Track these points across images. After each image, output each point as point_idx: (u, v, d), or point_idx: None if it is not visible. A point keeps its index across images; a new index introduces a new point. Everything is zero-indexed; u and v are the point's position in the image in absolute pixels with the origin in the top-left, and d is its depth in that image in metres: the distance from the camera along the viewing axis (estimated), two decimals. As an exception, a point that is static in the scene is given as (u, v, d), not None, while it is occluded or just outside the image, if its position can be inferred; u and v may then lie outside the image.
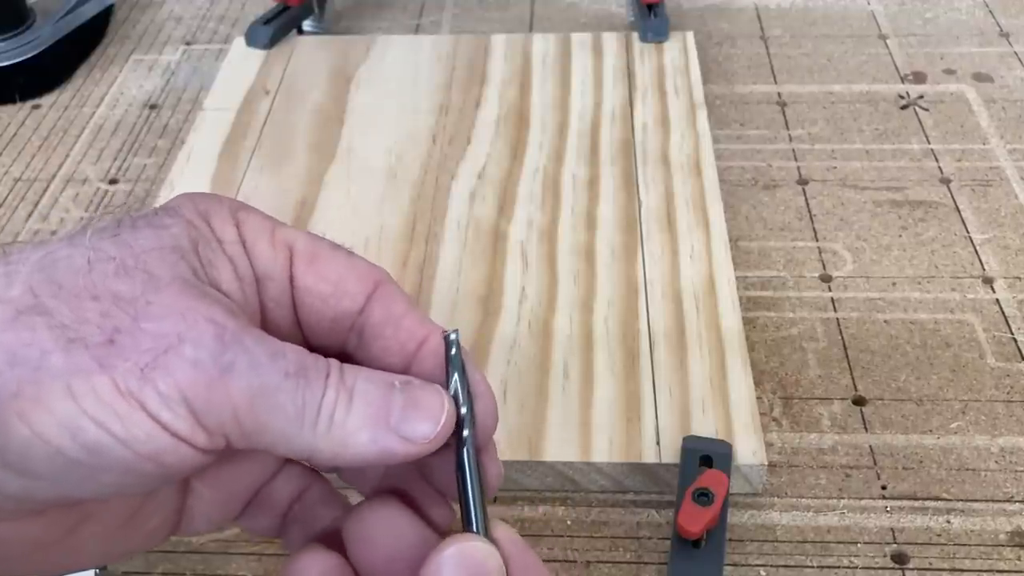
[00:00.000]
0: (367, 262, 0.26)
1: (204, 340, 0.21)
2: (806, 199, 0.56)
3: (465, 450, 0.25)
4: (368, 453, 0.23)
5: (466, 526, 0.24)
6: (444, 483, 0.26)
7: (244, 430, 0.22)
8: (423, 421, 0.23)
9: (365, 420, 0.23)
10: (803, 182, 0.57)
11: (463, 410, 0.25)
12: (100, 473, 0.21)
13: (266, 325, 0.25)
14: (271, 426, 0.22)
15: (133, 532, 0.25)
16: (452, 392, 0.25)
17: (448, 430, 0.24)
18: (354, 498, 0.28)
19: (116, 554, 0.26)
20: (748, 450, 0.41)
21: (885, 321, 0.49)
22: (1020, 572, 0.39)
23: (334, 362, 0.23)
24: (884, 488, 0.42)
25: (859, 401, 0.45)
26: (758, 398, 0.45)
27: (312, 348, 0.24)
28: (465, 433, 0.25)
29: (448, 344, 0.25)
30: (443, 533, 0.26)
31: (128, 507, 0.25)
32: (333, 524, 0.28)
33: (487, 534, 0.24)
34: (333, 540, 0.26)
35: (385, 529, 0.25)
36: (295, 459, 0.24)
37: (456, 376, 0.25)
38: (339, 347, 0.26)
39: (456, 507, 0.25)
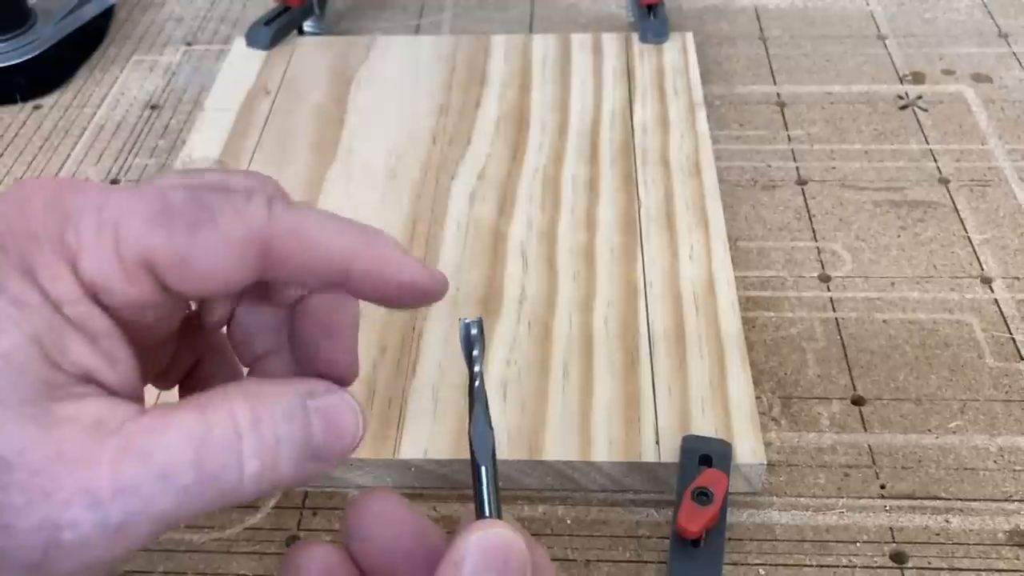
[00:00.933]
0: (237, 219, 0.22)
1: (80, 522, 0.19)
2: (805, 199, 0.56)
3: (476, 444, 0.25)
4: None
5: (479, 514, 0.24)
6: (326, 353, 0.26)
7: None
8: (341, 446, 0.23)
9: (293, 464, 0.22)
10: (802, 182, 0.57)
11: (477, 407, 0.25)
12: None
13: (156, 338, 0.24)
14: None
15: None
16: (471, 383, 0.25)
17: (356, 445, 0.24)
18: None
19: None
20: (747, 449, 0.41)
21: (884, 321, 0.49)
22: (1019, 571, 0.39)
23: (238, 405, 0.21)
24: (883, 487, 0.42)
25: (858, 401, 0.46)
26: (757, 398, 0.45)
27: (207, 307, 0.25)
28: (479, 428, 0.25)
29: (465, 330, 0.25)
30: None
31: None
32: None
33: (499, 517, 0.24)
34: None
35: (383, 521, 0.25)
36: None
37: (477, 369, 0.25)
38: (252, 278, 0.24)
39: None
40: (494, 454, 0.25)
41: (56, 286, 0.20)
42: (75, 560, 0.19)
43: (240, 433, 0.21)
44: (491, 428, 0.25)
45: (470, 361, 0.26)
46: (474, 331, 0.25)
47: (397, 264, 0.24)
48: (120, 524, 0.19)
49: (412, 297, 0.24)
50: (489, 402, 0.26)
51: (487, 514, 0.24)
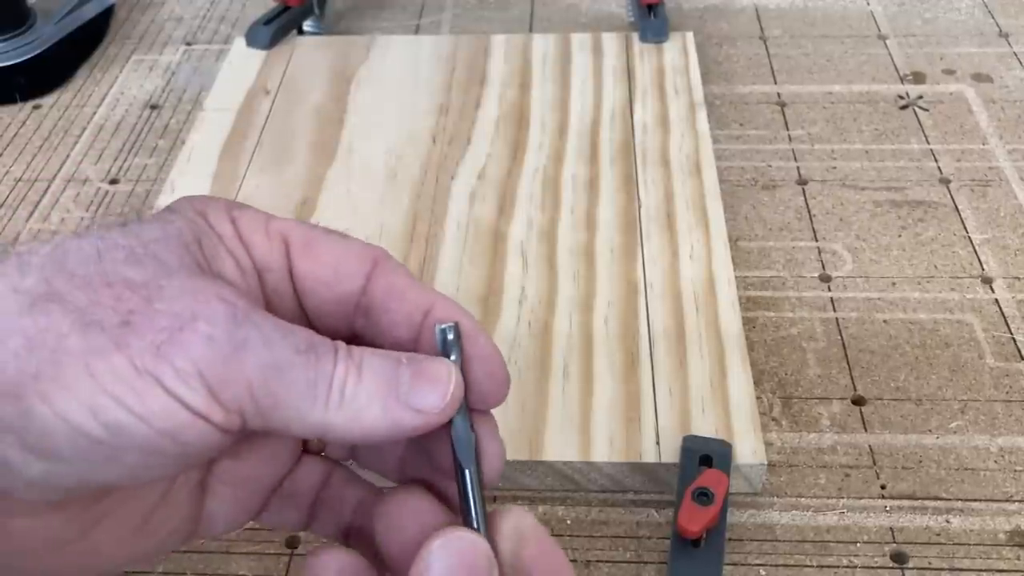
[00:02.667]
0: (362, 242, 0.26)
1: (217, 318, 0.22)
2: (806, 199, 0.56)
3: (459, 448, 0.25)
4: (380, 425, 0.23)
5: (464, 517, 0.24)
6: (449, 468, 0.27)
7: (259, 406, 0.22)
8: (431, 392, 0.24)
9: (375, 392, 0.23)
10: (803, 182, 0.57)
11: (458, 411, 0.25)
12: (120, 453, 0.21)
13: (275, 311, 0.25)
14: (285, 401, 0.22)
15: (150, 535, 0.25)
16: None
17: (457, 401, 0.24)
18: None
19: (131, 559, 0.26)
20: (748, 450, 0.41)
21: (884, 321, 0.49)
22: (1019, 572, 0.39)
23: (340, 342, 0.24)
24: (883, 488, 0.42)
25: (858, 401, 0.46)
26: (758, 398, 0.45)
27: (320, 332, 0.24)
28: (460, 431, 0.25)
29: (442, 335, 0.25)
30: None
31: (146, 505, 0.25)
32: (363, 503, 0.28)
33: (484, 525, 0.24)
34: (362, 531, 0.27)
35: (412, 515, 0.25)
36: (311, 437, 0.24)
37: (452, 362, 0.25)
38: (347, 329, 0.27)
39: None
40: (478, 457, 0.25)
41: (220, 225, 0.25)
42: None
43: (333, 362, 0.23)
44: (473, 431, 0.25)
45: None
46: (450, 336, 0.25)
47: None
48: (243, 340, 0.22)
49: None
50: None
51: (473, 516, 0.24)
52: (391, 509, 0.26)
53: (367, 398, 0.23)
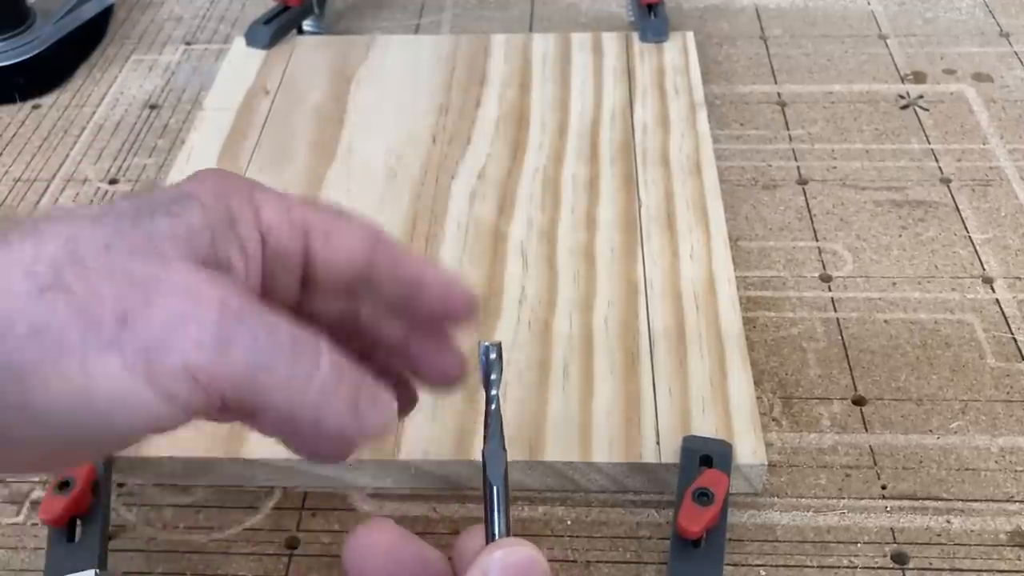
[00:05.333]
0: (363, 221, 0.29)
1: (207, 320, 0.23)
2: (806, 199, 0.56)
3: (489, 464, 0.25)
4: (335, 429, 0.25)
5: (489, 536, 0.25)
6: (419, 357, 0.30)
7: (240, 395, 0.24)
8: (379, 412, 0.26)
9: (344, 399, 0.25)
10: (803, 182, 0.57)
11: (492, 428, 0.25)
12: (106, 434, 0.23)
13: (272, 292, 0.28)
14: (265, 394, 0.24)
15: None
16: (487, 405, 0.26)
17: (391, 425, 0.26)
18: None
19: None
20: (748, 450, 0.41)
21: (885, 321, 0.49)
22: (1020, 572, 0.39)
23: (324, 342, 0.25)
24: (884, 488, 0.42)
25: (859, 401, 0.45)
26: (758, 398, 0.45)
27: (317, 303, 0.28)
28: (492, 448, 0.25)
29: (485, 353, 0.26)
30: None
31: None
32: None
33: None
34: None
35: (381, 552, 0.26)
36: (277, 431, 0.26)
37: (494, 392, 0.26)
38: (343, 300, 0.29)
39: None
40: (506, 474, 0.25)
41: (240, 209, 0.26)
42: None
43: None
44: (504, 449, 0.25)
45: (487, 384, 0.26)
46: (492, 355, 0.26)
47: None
48: (230, 341, 0.23)
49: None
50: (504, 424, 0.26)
51: (496, 531, 0.25)
52: (361, 547, 0.26)
53: (336, 403, 0.25)
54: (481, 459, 0.25)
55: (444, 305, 0.29)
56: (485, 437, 0.26)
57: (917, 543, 0.40)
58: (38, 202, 0.58)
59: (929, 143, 0.59)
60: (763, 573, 0.39)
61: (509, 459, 0.41)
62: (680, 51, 0.64)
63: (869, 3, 0.72)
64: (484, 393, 0.26)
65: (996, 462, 0.43)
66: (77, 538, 0.39)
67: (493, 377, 0.26)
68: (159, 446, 0.42)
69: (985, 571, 0.39)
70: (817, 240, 0.53)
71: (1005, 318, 0.49)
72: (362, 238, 0.29)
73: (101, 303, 0.23)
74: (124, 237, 0.24)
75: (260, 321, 0.24)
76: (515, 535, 0.25)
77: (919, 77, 0.65)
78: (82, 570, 0.37)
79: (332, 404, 0.24)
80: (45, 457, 0.25)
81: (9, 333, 0.22)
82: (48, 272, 0.23)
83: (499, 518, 0.25)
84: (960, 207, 0.55)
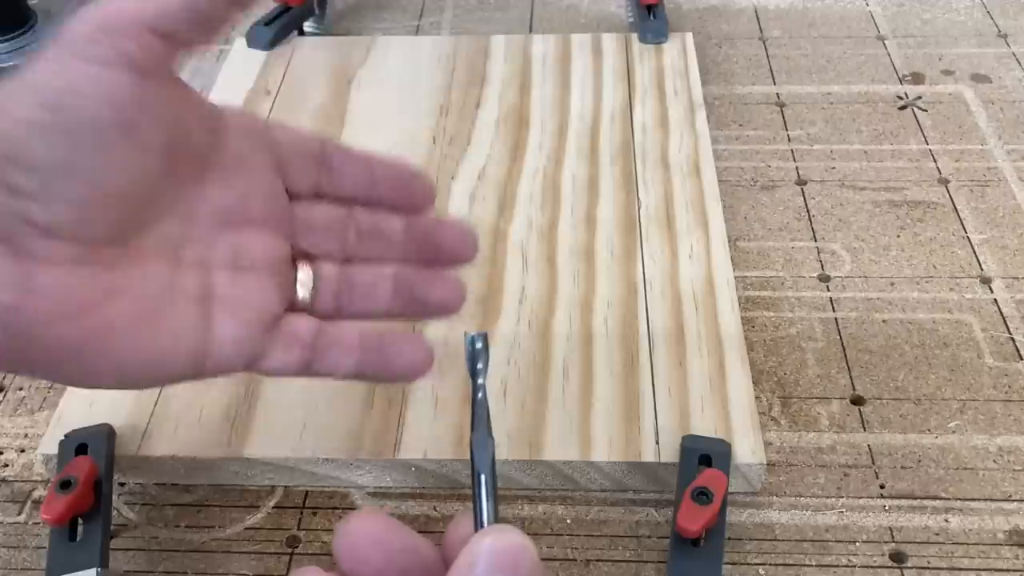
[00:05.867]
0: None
1: None
2: (805, 199, 0.56)
3: (476, 452, 0.25)
4: None
5: (476, 520, 0.25)
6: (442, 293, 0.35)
7: (164, 33, 0.28)
8: None
9: None
10: (802, 182, 0.57)
11: (479, 417, 0.25)
12: (70, 130, 0.26)
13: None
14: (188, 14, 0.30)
15: (159, 330, 0.29)
16: (474, 394, 0.26)
17: None
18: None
19: (139, 356, 0.29)
20: (747, 449, 0.41)
21: (883, 321, 0.49)
22: (1018, 571, 0.39)
23: None
24: (882, 487, 0.42)
25: (857, 400, 0.46)
26: (757, 397, 0.45)
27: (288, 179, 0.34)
28: (479, 436, 0.25)
29: (471, 344, 0.26)
30: (455, 303, 0.35)
31: (149, 288, 0.29)
32: (366, 344, 0.34)
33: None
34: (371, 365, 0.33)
35: (372, 542, 0.26)
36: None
37: (481, 381, 0.26)
38: (312, 178, 0.34)
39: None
40: (493, 462, 0.26)
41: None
42: None
43: None
44: (491, 437, 0.26)
45: (474, 374, 0.26)
46: (479, 345, 0.26)
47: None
48: None
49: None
50: (491, 408, 0.26)
51: (484, 519, 0.25)
52: (352, 536, 0.26)
53: None
54: (469, 448, 0.26)
55: (401, 192, 0.34)
56: (472, 426, 0.26)
57: (915, 542, 0.40)
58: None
59: (927, 144, 0.60)
60: (762, 572, 0.39)
61: (510, 458, 0.42)
62: (679, 52, 0.65)
63: (867, 4, 0.73)
64: (471, 383, 0.27)
65: (994, 461, 0.43)
66: (79, 537, 0.39)
67: (479, 367, 0.26)
68: (161, 446, 0.42)
69: (983, 570, 0.39)
70: (816, 240, 0.54)
71: (1003, 318, 0.49)
72: (312, 135, 0.35)
73: None
74: None
75: None
76: (531, 551, 0.25)
77: (917, 78, 0.65)
78: (84, 569, 0.38)
79: None
80: (74, 273, 0.27)
81: None
82: None
83: (487, 505, 0.25)
84: (958, 207, 0.55)
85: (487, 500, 0.25)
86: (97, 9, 0.27)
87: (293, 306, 0.33)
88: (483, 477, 0.25)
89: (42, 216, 0.26)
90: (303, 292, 0.33)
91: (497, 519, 0.25)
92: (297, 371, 0.32)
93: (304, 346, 0.32)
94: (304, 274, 0.34)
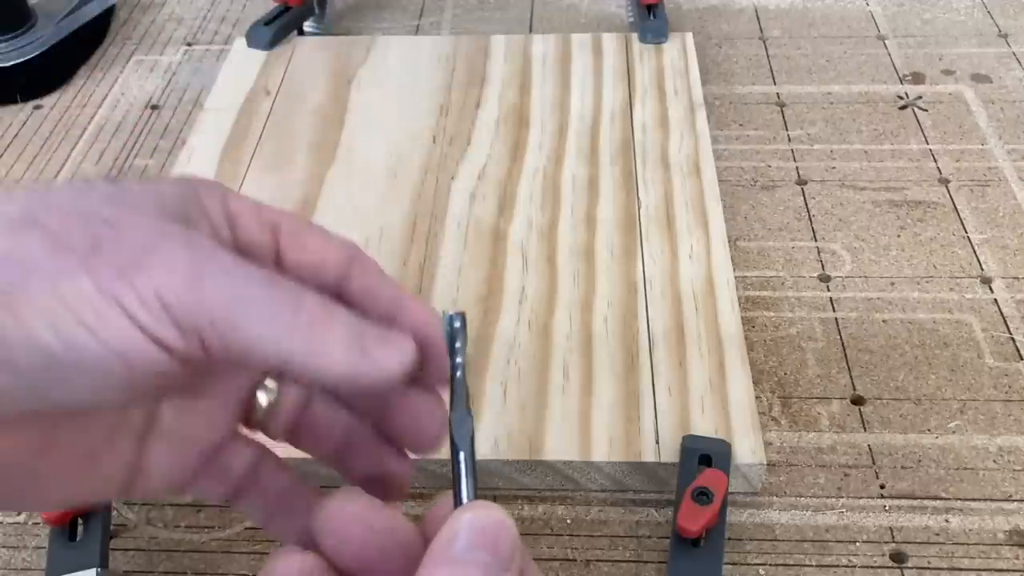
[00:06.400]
0: (341, 237, 0.28)
1: (180, 249, 0.23)
2: (805, 199, 0.56)
3: (455, 429, 0.25)
4: (338, 368, 0.24)
5: (456, 499, 0.25)
6: (401, 429, 0.28)
7: (219, 331, 0.23)
8: (393, 349, 0.25)
9: (340, 336, 0.24)
10: (802, 182, 0.57)
11: (457, 395, 0.25)
12: (76, 372, 0.22)
13: None
14: (246, 327, 0.23)
15: (91, 475, 0.26)
16: (452, 372, 0.26)
17: (413, 365, 0.25)
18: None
19: (69, 497, 0.27)
20: (747, 449, 0.41)
21: (884, 321, 0.49)
22: (1018, 571, 0.39)
23: (311, 288, 0.25)
24: (883, 487, 0.42)
25: (858, 400, 0.46)
26: (757, 398, 0.45)
27: None
28: (458, 413, 0.25)
29: (449, 322, 0.26)
30: (402, 490, 0.29)
31: (92, 441, 0.26)
32: (286, 492, 0.29)
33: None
34: (290, 508, 0.28)
35: (353, 520, 0.25)
36: (270, 366, 0.25)
37: (459, 360, 0.26)
38: None
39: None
40: (472, 440, 0.26)
41: (210, 202, 0.26)
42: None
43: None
44: (470, 415, 0.26)
45: (452, 352, 0.26)
46: (456, 324, 0.26)
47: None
48: (204, 269, 0.23)
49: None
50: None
51: (464, 496, 0.25)
52: (332, 516, 0.26)
53: (331, 338, 0.24)
54: (448, 426, 0.26)
55: (422, 342, 0.26)
56: (451, 405, 0.26)
57: (916, 542, 0.40)
58: (39, 202, 0.58)
59: (928, 143, 0.60)
60: (762, 572, 0.39)
61: (510, 459, 0.42)
62: (679, 52, 0.65)
63: (868, 4, 0.72)
64: (449, 361, 0.27)
65: (994, 461, 0.43)
66: (78, 537, 0.39)
67: (458, 346, 0.26)
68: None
69: (983, 570, 0.39)
70: (816, 240, 0.54)
71: (1003, 318, 0.49)
72: (338, 247, 0.27)
73: (73, 235, 0.22)
74: (95, 189, 0.24)
75: (232, 259, 0.23)
76: (511, 527, 0.25)
77: (918, 78, 0.65)
78: (83, 569, 0.38)
79: (328, 341, 0.23)
80: (40, 431, 0.24)
81: None
82: (19, 211, 0.22)
83: (467, 482, 0.25)
84: (959, 207, 0.55)
85: (466, 477, 0.25)
86: (184, 281, 0.22)
87: (248, 419, 0.29)
88: (462, 455, 0.25)
89: None
90: (264, 400, 0.29)
91: (476, 496, 0.25)
92: (219, 500, 0.29)
93: (230, 484, 0.29)
94: (271, 383, 0.29)
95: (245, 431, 0.29)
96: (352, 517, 0.25)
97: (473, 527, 0.23)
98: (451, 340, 0.26)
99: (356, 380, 0.24)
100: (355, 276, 0.27)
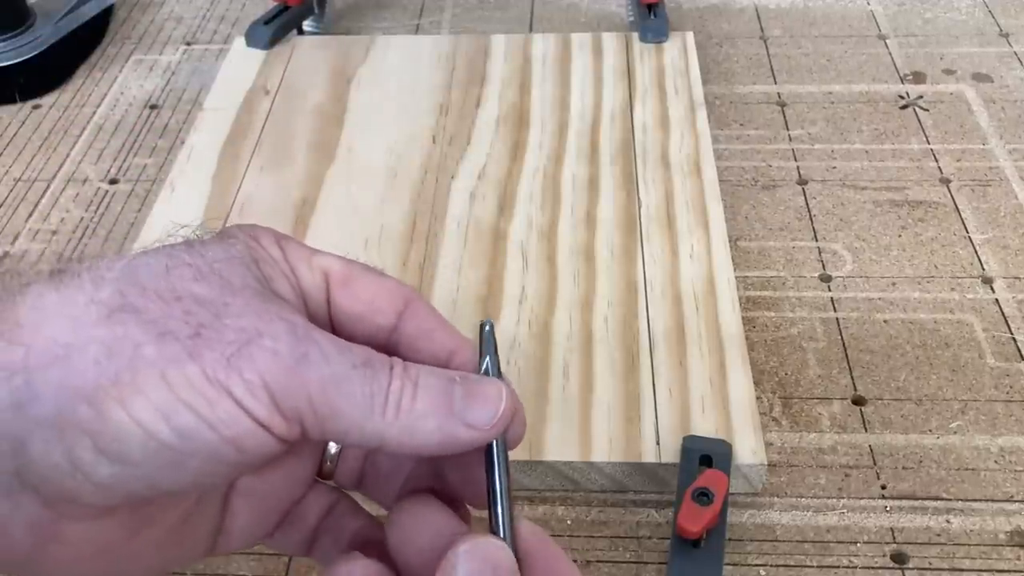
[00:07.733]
0: (396, 281, 0.28)
1: (280, 334, 0.23)
2: (806, 199, 0.56)
3: (494, 443, 0.26)
4: (433, 440, 0.24)
5: (491, 520, 0.25)
6: (460, 487, 0.28)
7: (318, 416, 0.23)
8: (484, 409, 0.25)
9: (430, 407, 0.24)
10: (803, 182, 0.57)
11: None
12: (187, 458, 0.22)
13: None
14: (343, 412, 0.23)
15: (181, 543, 0.26)
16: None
17: (508, 417, 0.25)
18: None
19: (159, 568, 0.27)
20: (748, 450, 0.41)
21: (885, 321, 0.49)
22: (1020, 572, 0.39)
23: (397, 359, 0.25)
24: (884, 488, 0.42)
25: (859, 401, 0.46)
26: (758, 398, 0.45)
27: None
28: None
29: (482, 331, 0.26)
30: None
31: (184, 512, 0.26)
32: (360, 533, 0.29)
33: (510, 528, 0.25)
34: (364, 549, 0.27)
35: (423, 524, 0.26)
36: (366, 446, 0.25)
37: (488, 362, 0.26)
38: None
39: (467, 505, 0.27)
40: (507, 459, 0.26)
41: (271, 249, 0.26)
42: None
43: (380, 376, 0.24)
44: (503, 438, 0.26)
45: (485, 358, 0.27)
46: (487, 328, 0.27)
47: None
48: (304, 355, 0.23)
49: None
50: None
51: (500, 521, 0.25)
52: (404, 519, 0.26)
53: (422, 412, 0.24)
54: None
55: None
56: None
57: (917, 543, 0.40)
58: (38, 202, 0.58)
59: (929, 143, 0.59)
60: (763, 573, 0.39)
61: (510, 458, 0.41)
62: (680, 51, 0.64)
63: (869, 3, 0.72)
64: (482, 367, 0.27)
65: (996, 462, 0.43)
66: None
67: (490, 356, 0.27)
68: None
69: (985, 571, 0.39)
70: (817, 240, 0.53)
71: (1005, 318, 0.49)
72: (391, 293, 0.27)
73: (172, 319, 0.22)
74: (182, 262, 0.24)
75: (329, 339, 0.24)
76: (540, 529, 0.26)
77: (919, 77, 0.65)
78: None
79: (416, 416, 0.24)
80: (104, 522, 0.23)
81: (80, 358, 0.21)
82: (113, 297, 0.22)
83: (503, 508, 0.25)
84: (960, 207, 0.55)
85: (503, 504, 0.25)
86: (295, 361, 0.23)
87: (320, 470, 0.30)
88: (498, 479, 0.26)
89: (92, 499, 0.22)
90: (332, 447, 0.29)
91: (512, 522, 0.25)
92: (297, 553, 0.30)
93: (306, 531, 0.29)
94: None
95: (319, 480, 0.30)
96: (420, 521, 0.26)
97: (471, 557, 0.23)
98: (487, 346, 0.27)
99: (452, 447, 0.25)
100: (408, 322, 0.27)
